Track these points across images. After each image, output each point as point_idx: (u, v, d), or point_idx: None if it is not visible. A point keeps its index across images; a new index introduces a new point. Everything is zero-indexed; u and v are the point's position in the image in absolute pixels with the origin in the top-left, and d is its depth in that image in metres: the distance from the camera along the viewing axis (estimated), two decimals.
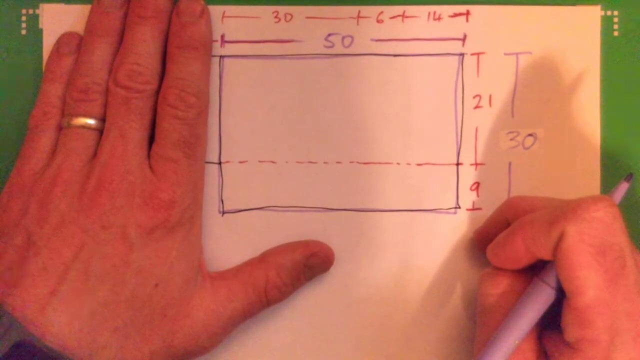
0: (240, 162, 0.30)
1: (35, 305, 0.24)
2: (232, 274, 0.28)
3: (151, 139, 0.28)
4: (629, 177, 0.25)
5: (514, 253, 0.25)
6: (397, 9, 0.29)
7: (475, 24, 0.29)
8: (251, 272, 0.28)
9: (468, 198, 0.30)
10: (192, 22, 0.28)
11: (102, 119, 0.27)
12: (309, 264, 0.29)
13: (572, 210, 0.23)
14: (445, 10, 0.29)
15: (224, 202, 0.30)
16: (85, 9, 0.29)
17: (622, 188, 0.25)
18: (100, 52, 0.28)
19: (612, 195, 0.25)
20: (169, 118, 0.27)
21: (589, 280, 0.22)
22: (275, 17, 0.29)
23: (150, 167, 0.27)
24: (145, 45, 0.27)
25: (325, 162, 0.30)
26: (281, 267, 0.28)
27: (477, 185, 0.30)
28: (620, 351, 0.22)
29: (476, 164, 0.30)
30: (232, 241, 0.29)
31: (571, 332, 0.23)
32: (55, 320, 0.24)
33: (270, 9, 0.29)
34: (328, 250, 0.29)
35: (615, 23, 0.29)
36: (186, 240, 0.27)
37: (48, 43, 0.29)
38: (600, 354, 0.22)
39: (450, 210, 0.30)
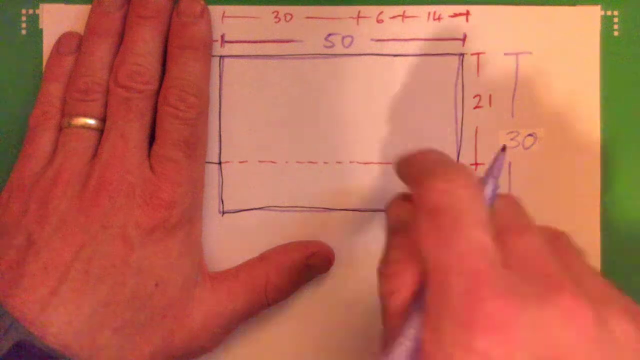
0: (240, 162, 0.30)
1: (36, 305, 0.24)
2: (232, 274, 0.28)
3: (151, 139, 0.28)
4: (504, 148, 0.23)
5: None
6: (397, 9, 0.29)
7: (475, 24, 0.29)
8: (251, 272, 0.28)
9: None
10: (192, 22, 0.28)
11: (103, 119, 0.27)
12: (309, 263, 0.29)
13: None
14: (445, 10, 0.29)
15: (224, 202, 0.30)
16: (85, 9, 0.29)
17: (501, 159, 0.23)
18: (101, 52, 0.28)
19: (491, 171, 0.22)
20: (169, 118, 0.27)
21: None
22: (275, 17, 0.29)
23: (151, 167, 0.27)
24: (145, 45, 0.27)
25: (325, 162, 0.30)
26: (281, 267, 0.28)
27: None
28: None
29: (476, 164, 0.30)
30: (232, 241, 0.29)
31: None
32: (55, 320, 0.24)
33: (270, 9, 0.29)
34: (328, 251, 0.29)
35: (615, 23, 0.29)
36: (186, 240, 0.27)
37: (48, 43, 0.29)
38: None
39: None
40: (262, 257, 0.29)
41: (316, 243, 0.29)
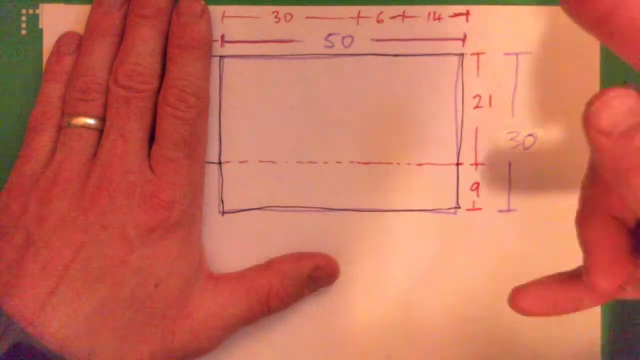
0: (240, 162, 0.30)
1: (34, 305, 0.24)
2: (235, 278, 0.28)
3: (151, 139, 0.28)
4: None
5: None
6: (397, 9, 0.29)
7: (475, 24, 0.29)
8: (255, 278, 0.28)
9: (468, 198, 0.30)
10: (192, 22, 0.28)
11: (102, 119, 0.27)
12: (313, 276, 0.29)
13: None
14: (445, 10, 0.29)
15: (224, 202, 0.30)
16: (85, 9, 0.29)
17: None
18: (101, 52, 0.28)
19: None
20: (169, 118, 0.27)
21: None
22: (275, 17, 0.29)
23: (151, 167, 0.27)
24: (145, 45, 0.27)
25: (325, 162, 0.30)
26: (285, 277, 0.28)
27: (477, 185, 0.30)
28: None
29: (476, 164, 0.30)
30: (232, 241, 0.29)
31: None
32: (53, 320, 0.24)
33: (270, 9, 0.29)
34: (333, 265, 0.29)
35: None
36: (186, 240, 0.27)
37: (48, 43, 0.29)
38: None
39: (450, 210, 0.30)
40: (268, 265, 0.29)
41: (323, 256, 0.29)
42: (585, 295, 0.23)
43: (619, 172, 0.19)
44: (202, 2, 0.28)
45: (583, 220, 0.22)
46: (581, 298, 0.23)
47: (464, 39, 0.29)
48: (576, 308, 0.23)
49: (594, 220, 0.21)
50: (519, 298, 0.24)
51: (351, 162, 0.29)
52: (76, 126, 0.27)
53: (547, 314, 0.23)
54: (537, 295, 0.23)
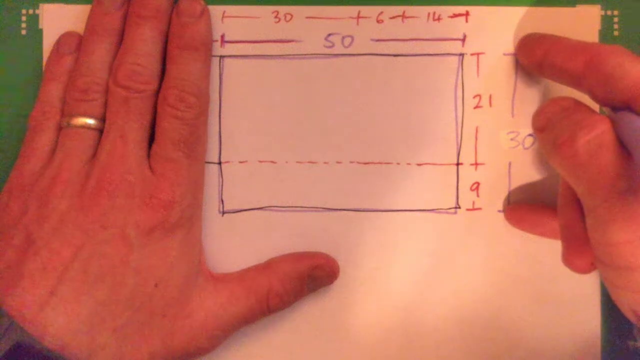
0: (240, 162, 0.30)
1: (34, 305, 0.24)
2: (235, 278, 0.28)
3: (151, 139, 0.28)
4: None
5: None
6: (397, 9, 0.29)
7: (474, 25, 0.29)
8: (255, 278, 0.28)
9: (468, 198, 0.30)
10: (192, 22, 0.28)
11: (102, 119, 0.27)
12: (313, 275, 0.29)
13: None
14: (445, 10, 0.29)
15: (224, 202, 0.30)
16: (85, 9, 0.29)
17: None
18: (100, 52, 0.28)
19: None
20: (168, 118, 0.27)
21: None
22: (275, 17, 0.29)
23: (150, 167, 0.27)
24: (145, 45, 0.27)
25: (325, 162, 0.30)
26: (285, 276, 0.28)
27: (477, 185, 0.30)
28: None
29: (476, 164, 0.30)
30: (232, 241, 0.29)
31: None
32: (54, 320, 0.24)
33: (270, 9, 0.29)
34: (333, 264, 0.29)
35: (615, 23, 0.30)
36: (186, 240, 0.27)
37: (48, 43, 0.29)
38: None
39: (450, 210, 0.30)
40: (268, 265, 0.29)
41: (322, 255, 0.29)
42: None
43: (548, 155, 0.24)
44: (202, 2, 0.28)
45: (559, 209, 0.26)
46: (556, 231, 0.27)
47: (463, 39, 0.29)
48: (553, 236, 0.28)
49: (565, 208, 0.25)
50: (510, 212, 0.29)
51: (351, 162, 0.29)
52: (76, 126, 0.27)
53: (529, 230, 0.29)
54: (523, 214, 0.29)
